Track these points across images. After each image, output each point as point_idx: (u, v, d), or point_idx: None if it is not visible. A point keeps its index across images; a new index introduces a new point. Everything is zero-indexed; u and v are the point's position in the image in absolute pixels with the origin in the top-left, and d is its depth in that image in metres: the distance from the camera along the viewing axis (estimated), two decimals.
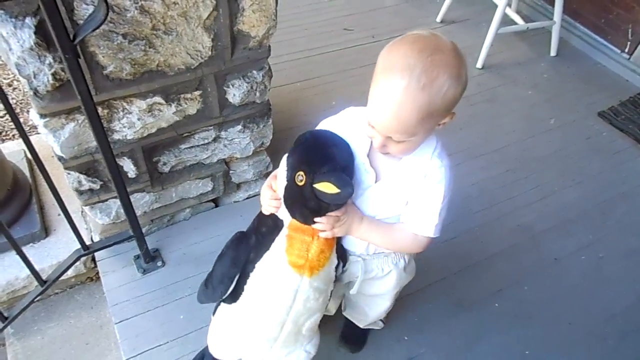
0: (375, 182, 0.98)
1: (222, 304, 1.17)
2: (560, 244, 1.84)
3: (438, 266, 1.73)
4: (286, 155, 0.98)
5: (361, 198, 1.00)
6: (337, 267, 1.08)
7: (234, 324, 1.14)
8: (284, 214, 1.02)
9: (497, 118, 2.35)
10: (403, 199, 0.99)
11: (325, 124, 1.03)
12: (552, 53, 2.74)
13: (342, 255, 1.09)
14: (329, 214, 0.95)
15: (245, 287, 1.07)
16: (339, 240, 1.06)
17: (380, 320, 1.48)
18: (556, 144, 2.24)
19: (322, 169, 0.90)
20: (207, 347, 1.28)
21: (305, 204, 0.93)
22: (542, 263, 1.78)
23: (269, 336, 1.09)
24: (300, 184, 0.92)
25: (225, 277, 1.09)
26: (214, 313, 1.23)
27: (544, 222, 1.91)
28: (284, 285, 1.02)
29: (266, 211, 1.06)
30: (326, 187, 0.89)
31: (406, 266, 1.17)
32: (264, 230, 1.05)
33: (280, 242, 1.01)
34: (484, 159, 2.14)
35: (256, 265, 1.04)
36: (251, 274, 1.05)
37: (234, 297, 1.11)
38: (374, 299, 1.28)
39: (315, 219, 0.96)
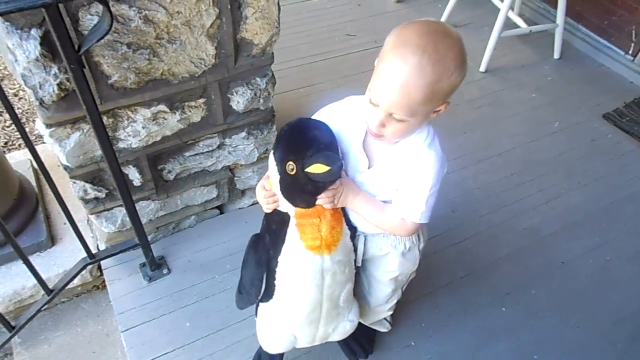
0: (369, 168, 1.03)
1: (260, 304, 1.23)
2: (567, 247, 1.83)
3: (444, 271, 1.73)
4: (271, 152, 1.03)
5: (355, 183, 1.05)
6: (352, 236, 1.12)
7: (277, 318, 1.20)
8: (286, 207, 1.05)
9: (501, 121, 2.35)
10: (394, 185, 1.03)
11: (326, 111, 1.07)
12: (556, 56, 2.74)
13: (350, 226, 1.13)
14: (328, 189, 1.00)
15: (275, 282, 1.12)
16: (345, 214, 1.10)
17: (386, 320, 1.47)
18: (561, 147, 2.23)
19: (307, 153, 0.94)
20: (260, 347, 1.32)
21: (303, 190, 0.98)
22: (549, 266, 1.77)
23: (312, 318, 1.15)
24: (292, 173, 0.96)
25: (255, 279, 1.14)
26: (256, 314, 1.28)
27: (550, 225, 1.90)
28: (309, 270, 1.06)
29: (267, 210, 1.09)
30: (317, 169, 0.93)
31: (405, 252, 1.17)
32: (274, 227, 1.09)
33: (292, 232, 1.05)
34: (489, 163, 2.14)
35: (278, 260, 1.09)
36: (277, 269, 1.10)
37: (268, 294, 1.15)
38: (374, 282, 1.28)
39: (317, 199, 1.01)
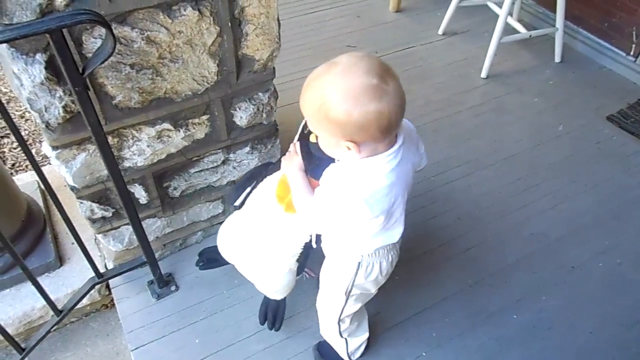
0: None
1: (234, 211, 1.46)
2: (577, 252, 1.82)
3: (453, 279, 1.72)
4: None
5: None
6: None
7: (234, 229, 1.44)
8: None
9: (504, 127, 2.35)
10: None
11: None
12: (557, 59, 2.74)
13: None
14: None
15: (247, 200, 1.36)
16: None
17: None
18: (566, 150, 2.23)
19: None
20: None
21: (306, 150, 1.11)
22: (559, 271, 1.76)
23: (249, 248, 1.37)
24: (305, 132, 1.11)
25: (240, 187, 1.40)
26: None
27: (558, 230, 1.89)
28: (266, 208, 1.26)
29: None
30: (313, 137, 1.05)
31: (339, 266, 1.16)
32: (274, 162, 1.34)
33: (276, 176, 1.25)
34: (494, 169, 2.13)
35: (259, 185, 1.32)
36: (253, 191, 1.35)
37: (241, 205, 1.41)
38: (321, 281, 1.28)
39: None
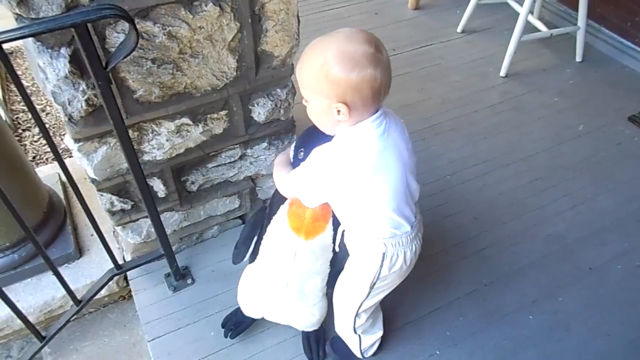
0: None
1: (248, 265, 1.40)
2: (595, 253, 1.79)
3: (468, 278, 1.71)
4: (292, 145, 1.24)
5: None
6: (334, 240, 1.23)
7: (255, 282, 1.37)
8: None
9: (523, 126, 2.32)
10: None
11: None
12: (578, 58, 2.69)
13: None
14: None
15: (261, 247, 1.30)
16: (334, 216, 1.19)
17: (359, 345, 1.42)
18: (586, 151, 2.19)
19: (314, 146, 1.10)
20: (239, 307, 1.49)
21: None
22: (576, 273, 1.74)
23: (278, 292, 1.32)
24: (300, 156, 1.15)
25: (247, 238, 1.35)
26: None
27: (576, 231, 1.86)
28: (285, 245, 1.23)
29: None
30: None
31: (364, 260, 1.15)
32: (275, 200, 1.26)
33: (284, 209, 1.22)
34: (512, 168, 2.11)
35: (267, 228, 1.27)
36: (264, 236, 1.28)
37: (253, 257, 1.36)
38: (340, 278, 1.29)
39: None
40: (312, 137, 1.11)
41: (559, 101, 2.46)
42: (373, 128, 0.99)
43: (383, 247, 1.10)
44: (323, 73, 0.93)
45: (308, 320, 1.41)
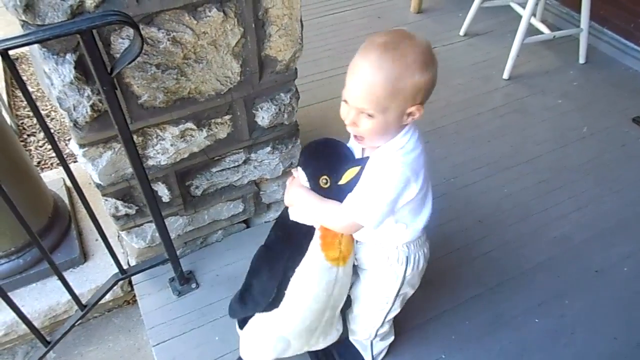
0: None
1: (256, 315, 1.25)
2: (601, 255, 1.78)
3: (474, 281, 1.70)
4: (299, 169, 1.12)
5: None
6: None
7: (275, 327, 1.22)
8: (309, 219, 1.12)
9: (527, 128, 2.32)
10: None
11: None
12: (581, 60, 2.69)
13: None
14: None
15: (287, 291, 1.14)
16: None
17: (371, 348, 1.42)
18: (590, 153, 2.19)
19: (342, 167, 1.03)
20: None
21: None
22: (582, 275, 1.73)
23: (313, 326, 1.21)
24: (326, 186, 1.05)
25: (268, 289, 1.16)
26: (241, 327, 1.31)
27: (582, 233, 1.86)
28: (325, 279, 1.12)
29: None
30: (350, 174, 1.01)
31: (385, 268, 1.14)
32: (295, 240, 1.13)
33: (315, 243, 1.11)
34: (516, 171, 2.11)
35: (296, 270, 1.12)
36: (292, 278, 1.13)
37: (274, 304, 1.17)
38: (361, 293, 1.27)
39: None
40: (333, 159, 1.05)
41: (562, 103, 2.45)
42: (415, 129, 0.99)
43: (406, 250, 1.11)
44: (403, 82, 0.88)
45: (334, 337, 1.32)
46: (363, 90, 0.90)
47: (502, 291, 1.68)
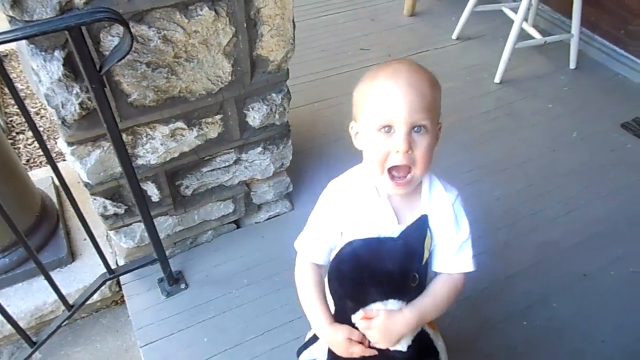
0: (399, 224, 0.93)
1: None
2: (589, 259, 1.79)
3: None
4: (376, 304, 0.91)
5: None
6: None
7: None
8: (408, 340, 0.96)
9: (518, 132, 2.33)
10: (441, 232, 0.96)
11: (335, 187, 0.99)
12: (572, 66, 2.71)
13: None
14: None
15: None
16: None
17: None
18: (580, 157, 2.20)
19: (417, 251, 0.90)
20: None
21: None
22: (570, 279, 1.74)
23: None
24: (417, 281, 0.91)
25: None
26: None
27: (570, 237, 1.87)
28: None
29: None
30: (428, 245, 0.92)
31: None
32: None
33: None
34: (506, 174, 2.12)
35: None
36: None
37: None
38: None
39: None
40: (396, 258, 0.88)
41: (553, 108, 2.47)
42: None
43: None
44: (436, 91, 0.87)
45: None
46: (412, 101, 0.82)
47: (490, 294, 1.68)
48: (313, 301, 0.96)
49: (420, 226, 0.91)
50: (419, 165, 0.87)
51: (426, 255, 0.92)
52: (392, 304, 0.91)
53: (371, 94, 0.86)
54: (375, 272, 0.90)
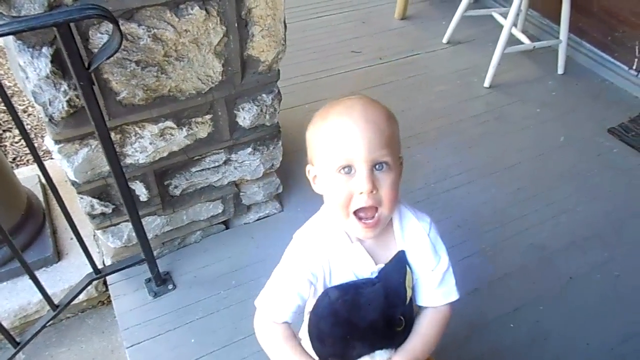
0: (376, 264, 0.88)
1: None
2: (575, 263, 1.81)
3: None
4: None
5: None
6: None
7: None
8: None
9: (506, 136, 2.35)
10: (422, 265, 0.92)
11: (302, 239, 0.91)
12: (560, 71, 2.75)
13: None
14: None
15: None
16: None
17: None
18: (567, 162, 2.23)
19: (398, 296, 0.86)
20: None
21: None
22: (557, 282, 1.75)
23: None
24: (402, 326, 0.87)
25: None
26: None
27: (557, 241, 1.89)
28: None
29: None
30: (410, 282, 0.87)
31: None
32: None
33: None
34: (494, 177, 2.13)
35: None
36: None
37: None
38: None
39: None
40: (378, 309, 0.83)
41: (541, 112, 2.50)
42: None
43: None
44: (393, 124, 0.83)
45: None
46: (370, 137, 0.77)
47: (478, 296, 1.69)
48: (292, 358, 0.87)
49: (399, 264, 0.87)
50: (385, 204, 0.81)
51: (409, 294, 0.88)
52: (380, 354, 0.87)
53: (326, 133, 0.81)
54: (357, 326, 0.84)
